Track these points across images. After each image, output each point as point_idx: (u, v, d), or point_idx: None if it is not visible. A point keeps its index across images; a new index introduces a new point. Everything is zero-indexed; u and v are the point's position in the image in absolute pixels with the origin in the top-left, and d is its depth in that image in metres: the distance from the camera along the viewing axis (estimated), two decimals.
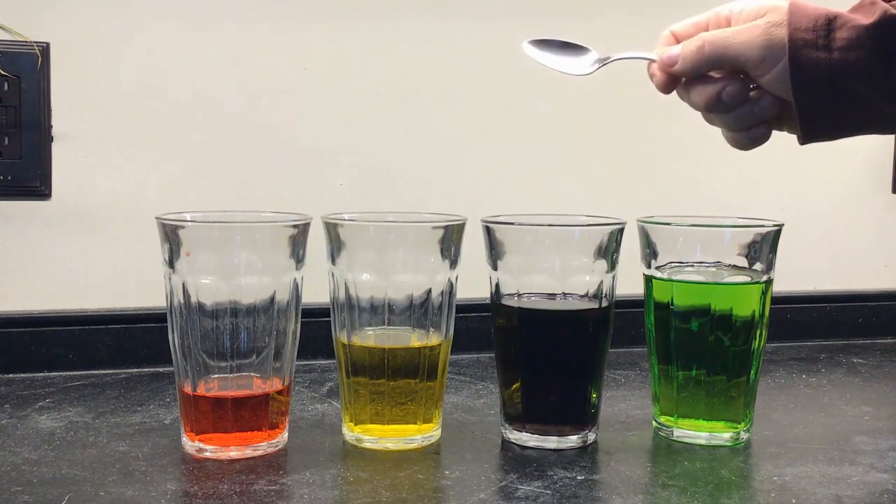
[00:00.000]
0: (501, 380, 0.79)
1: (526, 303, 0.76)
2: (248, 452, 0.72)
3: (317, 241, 0.76)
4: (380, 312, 0.74)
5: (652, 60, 0.66)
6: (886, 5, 0.56)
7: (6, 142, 0.95)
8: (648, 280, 0.80)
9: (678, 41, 0.65)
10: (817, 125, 0.60)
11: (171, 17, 1.00)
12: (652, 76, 0.66)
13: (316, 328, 0.90)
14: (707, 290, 0.77)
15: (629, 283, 0.85)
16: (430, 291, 0.74)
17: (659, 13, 0.82)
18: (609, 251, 0.76)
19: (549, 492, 0.66)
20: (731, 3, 0.63)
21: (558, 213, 0.81)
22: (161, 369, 0.97)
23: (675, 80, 0.64)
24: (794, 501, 0.66)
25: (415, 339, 0.75)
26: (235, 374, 0.72)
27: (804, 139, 0.61)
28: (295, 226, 0.73)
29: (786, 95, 0.60)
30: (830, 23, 0.57)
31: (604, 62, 0.68)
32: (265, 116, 1.03)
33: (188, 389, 0.72)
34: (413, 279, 0.74)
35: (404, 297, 0.74)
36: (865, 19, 0.56)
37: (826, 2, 0.61)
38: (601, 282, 0.76)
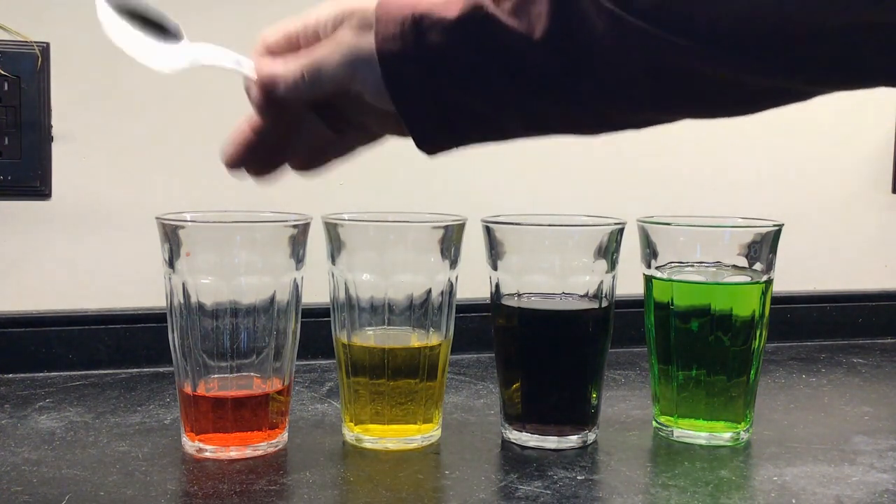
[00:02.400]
0: (501, 380, 0.79)
1: (526, 303, 0.76)
2: (248, 452, 0.72)
3: (317, 241, 0.76)
4: (380, 312, 0.74)
5: (249, 77, 0.55)
6: None
7: (6, 142, 0.95)
8: (648, 280, 0.80)
9: (271, 54, 0.57)
10: (429, 138, 0.55)
11: (171, 17, 0.99)
12: (248, 90, 0.57)
13: (316, 328, 0.90)
14: (707, 290, 0.77)
15: (629, 283, 0.85)
16: (430, 291, 0.74)
17: None
18: (609, 251, 0.76)
19: (549, 492, 0.66)
20: (314, 11, 0.56)
21: (558, 213, 0.81)
22: (161, 369, 0.97)
23: (273, 102, 0.56)
24: (794, 501, 0.66)
25: (415, 339, 0.75)
26: (235, 374, 0.72)
27: (420, 149, 0.56)
28: (295, 226, 0.73)
29: (386, 106, 0.54)
30: (417, 24, 0.50)
31: (192, 62, 0.56)
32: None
33: (188, 389, 0.72)
34: (413, 279, 0.74)
35: (404, 297, 0.74)
36: (452, 16, 0.50)
37: None
38: (601, 282, 0.76)
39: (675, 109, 0.52)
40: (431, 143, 0.55)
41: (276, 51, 0.57)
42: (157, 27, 0.55)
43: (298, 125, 0.59)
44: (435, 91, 0.52)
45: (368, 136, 0.62)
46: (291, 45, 0.56)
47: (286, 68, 0.55)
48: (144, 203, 0.99)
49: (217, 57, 0.56)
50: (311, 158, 0.62)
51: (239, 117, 1.06)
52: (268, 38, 0.57)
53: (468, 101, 0.52)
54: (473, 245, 0.80)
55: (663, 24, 0.46)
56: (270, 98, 0.56)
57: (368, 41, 0.52)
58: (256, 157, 0.59)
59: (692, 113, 0.53)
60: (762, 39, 0.45)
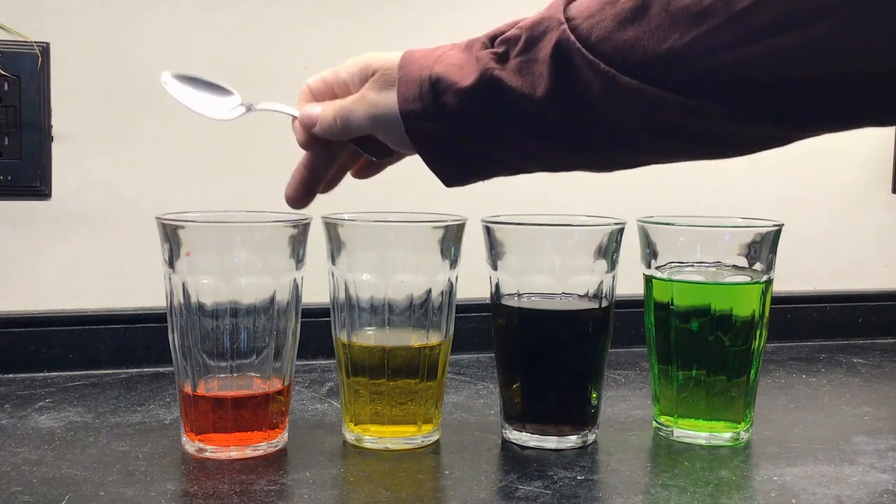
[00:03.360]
0: (501, 380, 0.79)
1: (526, 303, 0.76)
2: (248, 452, 0.72)
3: (317, 241, 0.76)
4: (380, 312, 0.74)
5: (294, 117, 0.64)
6: (485, 58, 0.55)
7: (6, 142, 0.95)
8: (648, 280, 0.80)
9: (314, 97, 0.65)
10: (452, 178, 0.61)
11: (171, 17, 1.00)
12: (294, 130, 0.66)
13: (316, 328, 0.90)
14: (707, 290, 0.77)
15: (629, 283, 0.85)
16: (430, 291, 0.74)
17: None
18: (609, 251, 0.76)
19: (549, 492, 0.66)
20: (345, 64, 0.63)
21: (558, 213, 0.81)
22: (161, 369, 0.97)
23: (314, 139, 0.64)
24: (793, 501, 0.66)
25: (415, 339, 0.75)
26: (235, 374, 0.72)
27: (447, 186, 0.62)
28: (295, 226, 0.73)
29: (409, 153, 0.60)
30: (434, 87, 0.56)
31: (248, 109, 0.66)
32: (265, 116, 1.03)
33: (188, 389, 0.72)
34: (413, 279, 0.74)
35: (404, 297, 0.74)
36: (465, 80, 0.55)
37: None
38: (601, 282, 0.76)
39: (675, 154, 0.56)
40: (457, 183, 0.61)
41: (316, 95, 0.65)
42: (214, 87, 0.66)
43: (345, 152, 0.66)
44: (454, 144, 0.57)
45: (394, 160, 0.69)
46: (329, 91, 0.64)
47: (323, 112, 0.62)
48: (144, 203, 0.99)
49: (266, 104, 0.66)
50: (365, 170, 0.70)
51: (239, 118, 1.06)
52: (309, 83, 0.65)
53: (486, 150, 0.57)
54: (473, 245, 0.80)
55: (655, 82, 0.49)
56: (311, 135, 0.64)
57: (390, 99, 0.58)
58: (313, 187, 0.66)
59: (693, 157, 0.56)
60: (749, 92, 0.48)
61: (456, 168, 0.59)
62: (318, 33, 1.04)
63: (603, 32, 0.50)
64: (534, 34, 0.53)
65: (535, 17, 0.54)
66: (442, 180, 0.61)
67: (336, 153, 0.65)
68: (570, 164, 0.58)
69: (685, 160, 0.56)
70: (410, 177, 1.07)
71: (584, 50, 0.51)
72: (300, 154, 1.04)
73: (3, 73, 0.94)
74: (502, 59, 0.54)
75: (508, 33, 0.55)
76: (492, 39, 0.56)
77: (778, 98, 0.48)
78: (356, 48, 0.66)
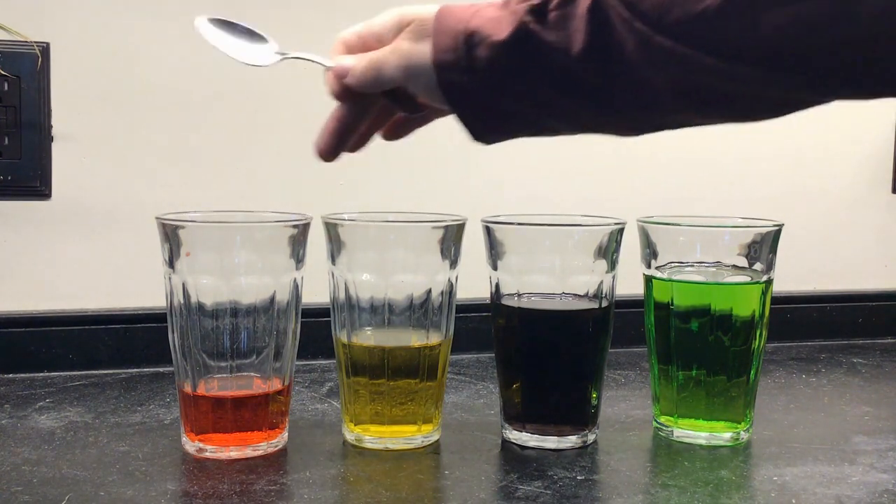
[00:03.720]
0: (501, 380, 0.79)
1: (526, 303, 0.76)
2: (248, 452, 0.72)
3: (317, 241, 0.76)
4: (380, 312, 0.74)
5: (328, 67, 0.64)
6: (521, 12, 0.55)
7: (6, 142, 0.95)
8: (648, 280, 0.80)
9: (348, 50, 0.65)
10: (481, 133, 0.60)
11: (171, 17, 1.00)
12: (327, 81, 0.66)
13: (316, 328, 0.90)
14: (707, 290, 0.77)
15: (629, 283, 0.85)
16: (430, 291, 0.74)
17: None
18: (609, 251, 0.76)
19: (549, 492, 0.66)
20: (378, 17, 0.63)
21: (558, 213, 0.81)
22: (161, 369, 0.97)
23: (346, 90, 0.64)
24: (793, 501, 0.66)
25: (415, 339, 0.75)
26: (235, 374, 0.72)
27: (474, 141, 0.62)
28: (295, 226, 0.73)
29: (440, 105, 0.60)
30: (469, 39, 0.56)
31: (283, 56, 0.65)
32: (265, 116, 1.03)
33: (188, 389, 0.72)
34: (413, 279, 0.74)
35: (404, 297, 0.74)
36: (500, 34, 0.55)
37: None
38: (601, 282, 0.76)
39: (703, 117, 0.56)
40: (485, 139, 0.60)
41: (350, 48, 0.64)
42: (249, 34, 0.65)
43: (376, 106, 0.65)
44: (485, 97, 0.57)
45: (424, 120, 0.68)
46: (362, 44, 0.64)
47: (355, 62, 0.62)
48: (144, 203, 0.99)
49: (301, 52, 0.65)
50: (395, 129, 0.68)
51: (239, 117, 1.07)
52: (343, 36, 0.65)
53: (516, 106, 0.57)
54: (473, 245, 0.80)
55: (689, 42, 0.50)
56: (343, 86, 0.63)
57: (424, 49, 0.58)
58: (344, 140, 0.65)
59: (720, 119, 0.56)
60: (780, 54, 0.48)
61: (485, 122, 0.59)
62: (321, 38, 1.04)
63: None
64: None
65: None
66: (471, 134, 0.61)
67: (368, 106, 0.65)
68: (598, 124, 0.58)
69: (712, 122, 0.57)
70: (410, 177, 1.07)
71: (620, 6, 0.51)
72: (301, 155, 1.04)
73: (3, 73, 0.94)
74: (539, 12, 0.54)
75: None
76: None
77: (809, 61, 0.48)
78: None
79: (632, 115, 0.56)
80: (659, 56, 0.50)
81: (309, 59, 0.65)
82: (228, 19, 0.64)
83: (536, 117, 0.58)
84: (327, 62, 0.64)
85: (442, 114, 0.64)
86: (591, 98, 0.55)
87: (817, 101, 0.53)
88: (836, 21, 0.46)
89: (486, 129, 0.60)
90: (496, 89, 0.57)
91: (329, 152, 0.65)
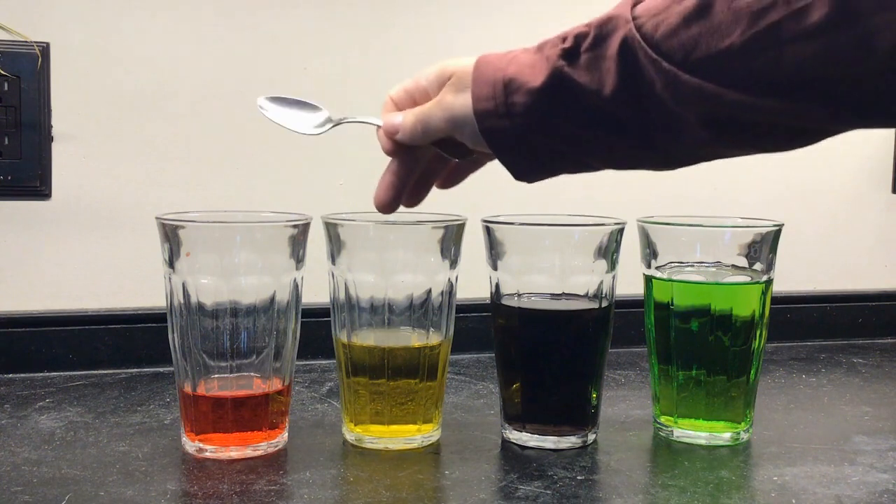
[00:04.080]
0: (501, 380, 0.79)
1: (526, 303, 0.76)
2: (248, 452, 0.72)
3: (317, 241, 0.76)
4: (380, 312, 0.74)
5: (378, 126, 0.67)
6: (554, 56, 0.57)
7: (6, 142, 0.95)
8: (648, 280, 0.80)
9: (396, 107, 0.68)
10: (523, 174, 0.63)
11: (172, 17, 1.00)
12: (379, 139, 0.68)
13: (316, 328, 0.90)
14: (707, 290, 0.77)
15: (629, 283, 0.85)
16: (430, 291, 0.74)
17: None
18: (609, 251, 0.76)
19: (549, 492, 0.66)
20: (423, 71, 0.66)
21: (558, 213, 0.81)
22: (161, 369, 0.97)
23: (398, 146, 0.67)
24: (793, 501, 0.66)
25: (415, 339, 0.75)
26: (235, 374, 0.72)
27: (517, 179, 0.64)
28: (295, 226, 0.73)
29: (485, 151, 0.63)
30: (507, 87, 0.59)
31: (335, 123, 0.70)
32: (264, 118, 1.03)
33: (188, 389, 0.72)
34: (413, 279, 0.74)
35: (404, 297, 0.74)
36: (535, 79, 0.57)
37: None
38: (601, 282, 0.76)
39: (736, 148, 0.57)
40: (527, 178, 0.63)
41: (398, 104, 0.68)
42: (303, 105, 0.70)
43: (427, 157, 0.68)
44: (525, 140, 0.59)
45: (477, 165, 0.71)
46: (410, 99, 0.67)
47: (404, 119, 0.66)
48: (144, 203, 0.99)
49: (352, 118, 0.70)
50: (450, 177, 0.71)
51: (239, 117, 1.06)
52: (391, 94, 0.68)
53: (555, 147, 0.59)
54: (473, 245, 0.80)
55: (715, 79, 0.51)
56: (394, 142, 0.66)
57: (465, 100, 0.61)
58: (399, 192, 0.68)
59: (753, 150, 0.58)
60: (806, 87, 0.49)
61: (526, 163, 0.61)
62: (321, 38, 1.04)
63: (667, 30, 0.52)
64: (602, 31, 0.55)
65: (605, 14, 0.56)
66: (513, 175, 0.63)
67: (419, 157, 0.68)
68: (636, 160, 0.60)
69: (745, 154, 0.58)
70: None
71: (647, 48, 0.52)
72: (300, 155, 1.04)
73: (3, 73, 0.94)
74: (571, 55, 0.56)
75: (579, 30, 0.57)
76: (563, 39, 0.58)
77: (834, 93, 0.49)
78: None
79: (666, 150, 0.57)
80: (687, 93, 0.52)
81: (361, 122, 0.69)
82: (283, 95, 0.69)
83: (575, 156, 0.60)
84: (377, 121, 0.67)
85: (492, 157, 0.66)
86: (626, 135, 0.56)
87: (843, 130, 0.54)
88: (855, 54, 0.46)
89: (528, 169, 0.62)
90: (535, 132, 0.59)
91: (387, 205, 0.68)
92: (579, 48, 0.56)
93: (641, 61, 0.53)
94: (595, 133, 0.57)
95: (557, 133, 0.58)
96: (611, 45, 0.54)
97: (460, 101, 0.61)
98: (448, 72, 0.63)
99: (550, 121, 0.58)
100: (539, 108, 0.57)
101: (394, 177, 0.68)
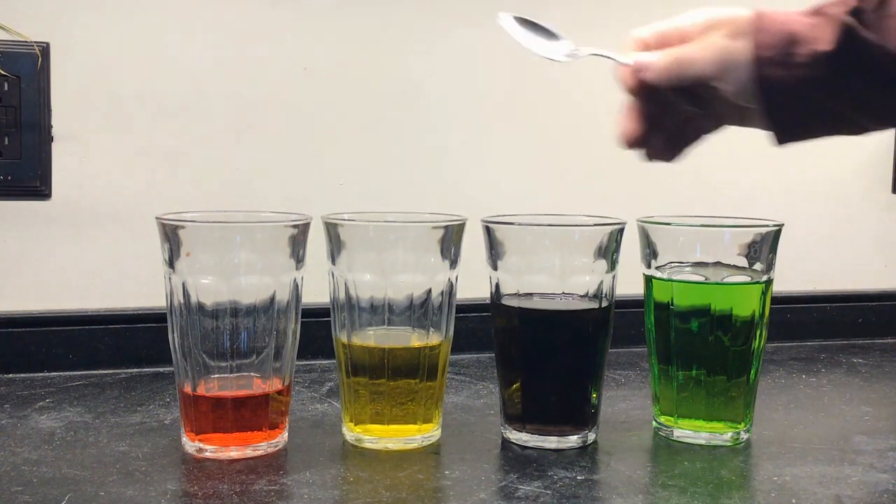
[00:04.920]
0: (501, 380, 0.79)
1: (526, 303, 0.76)
2: (248, 452, 0.72)
3: (317, 241, 0.76)
4: (380, 312, 0.74)
5: (625, 63, 0.65)
6: (840, 15, 0.57)
7: (6, 142, 0.95)
8: (648, 280, 0.80)
9: (645, 48, 0.66)
10: (786, 130, 0.62)
11: (172, 17, 1.00)
12: (621, 78, 0.67)
13: (316, 328, 0.90)
14: (707, 290, 0.77)
15: (629, 283, 0.85)
16: (430, 291, 0.74)
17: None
18: (609, 251, 0.76)
19: (549, 492, 0.66)
20: (683, 17, 0.65)
21: (558, 213, 0.81)
22: (161, 369, 0.97)
23: (643, 85, 0.65)
24: (794, 501, 0.66)
25: (415, 339, 0.75)
26: (235, 374, 0.72)
27: (779, 143, 0.63)
28: (295, 226, 0.73)
29: (747, 104, 0.62)
30: (791, 39, 0.59)
31: (577, 54, 0.67)
32: (265, 117, 1.03)
33: (188, 389, 0.72)
34: (413, 279, 0.74)
35: (404, 297, 0.74)
36: (821, 36, 0.58)
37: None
38: (601, 282, 0.76)
39: None
40: (787, 137, 0.62)
41: (647, 45, 0.65)
42: (547, 32, 0.68)
43: (664, 108, 0.66)
44: (801, 95, 0.59)
45: (715, 124, 0.69)
46: (660, 42, 0.65)
47: (657, 58, 0.63)
48: (144, 203, 0.99)
49: (595, 49, 0.67)
50: (670, 145, 0.69)
51: (239, 117, 1.06)
52: (639, 34, 0.66)
53: (830, 104, 0.59)
54: (473, 245, 0.80)
55: None
56: (640, 82, 0.64)
57: (741, 46, 0.60)
58: (644, 128, 0.66)
59: None
60: None
61: (798, 120, 0.61)
62: (321, 38, 1.04)
63: None
64: None
65: None
66: (776, 133, 0.62)
67: (658, 101, 0.66)
68: None
69: None
70: (410, 177, 1.07)
71: None
72: (300, 155, 1.04)
73: (3, 73, 0.94)
74: (859, 13, 0.57)
75: None
76: (843, 2, 0.58)
77: None
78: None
79: None
80: None
81: (604, 56, 0.66)
82: (530, 18, 0.67)
83: (851, 115, 0.60)
84: (624, 58, 0.65)
85: (713, 128, 0.66)
86: None
87: None
88: None
89: (794, 125, 0.61)
90: (816, 86, 0.58)
91: (632, 138, 0.66)
92: (865, 7, 0.57)
93: None
94: (879, 92, 0.57)
95: (840, 90, 0.58)
96: (894, 4, 0.55)
97: (736, 47, 0.60)
98: (721, 20, 0.62)
99: (836, 79, 0.58)
100: (824, 64, 0.57)
101: (636, 112, 0.66)
